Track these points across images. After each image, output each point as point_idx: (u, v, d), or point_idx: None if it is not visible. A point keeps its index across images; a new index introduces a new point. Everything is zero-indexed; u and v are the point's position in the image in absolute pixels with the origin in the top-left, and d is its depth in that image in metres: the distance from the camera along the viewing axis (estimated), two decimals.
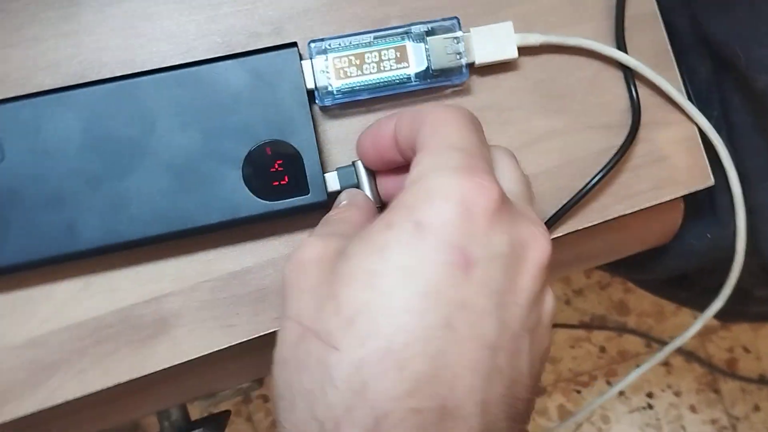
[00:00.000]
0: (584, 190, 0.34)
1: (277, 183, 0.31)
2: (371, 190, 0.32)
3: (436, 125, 0.26)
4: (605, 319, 0.88)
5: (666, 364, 0.87)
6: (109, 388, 0.32)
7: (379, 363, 0.22)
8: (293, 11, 0.34)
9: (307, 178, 0.32)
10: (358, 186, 0.32)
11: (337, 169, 0.32)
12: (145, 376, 0.32)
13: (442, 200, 0.23)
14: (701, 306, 0.41)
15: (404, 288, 0.22)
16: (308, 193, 0.32)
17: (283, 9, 0.34)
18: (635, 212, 0.35)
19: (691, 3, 0.35)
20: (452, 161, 0.25)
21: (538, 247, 0.25)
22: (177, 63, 0.32)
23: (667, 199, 0.35)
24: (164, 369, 0.32)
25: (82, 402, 0.32)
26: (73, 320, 0.32)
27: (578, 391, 0.87)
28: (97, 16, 0.33)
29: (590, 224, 0.35)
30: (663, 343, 0.86)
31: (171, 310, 0.32)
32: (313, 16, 0.34)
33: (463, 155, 0.25)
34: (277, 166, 0.32)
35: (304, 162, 0.31)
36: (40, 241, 0.31)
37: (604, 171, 0.34)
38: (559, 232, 0.34)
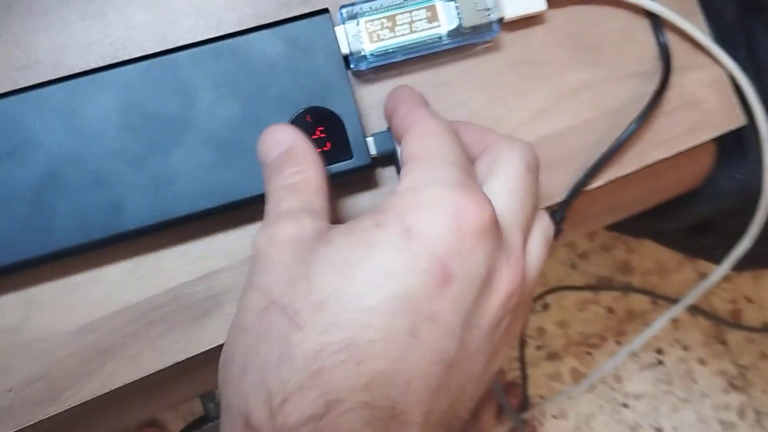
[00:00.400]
0: (621, 139, 0.34)
1: (320, 149, 0.31)
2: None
3: (424, 136, 0.27)
4: (611, 280, 0.89)
5: (673, 320, 0.89)
6: (159, 371, 0.32)
7: (340, 353, 0.22)
8: None
9: (350, 142, 0.31)
10: (393, 152, 0.32)
11: (373, 135, 0.32)
12: (195, 356, 0.32)
13: (435, 211, 0.24)
14: (719, 257, 0.41)
15: (380, 287, 0.23)
16: (352, 157, 0.31)
17: None
18: (673, 156, 0.35)
19: None
20: (448, 176, 0.25)
21: (511, 276, 0.25)
22: (209, 37, 0.32)
23: (702, 141, 0.36)
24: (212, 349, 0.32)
25: (133, 386, 0.32)
26: (125, 303, 0.32)
27: (589, 353, 0.88)
28: None
29: (630, 171, 0.35)
30: (669, 300, 0.87)
31: (222, 286, 0.32)
32: None
33: (458, 171, 0.26)
34: (318, 133, 0.31)
35: (346, 127, 0.31)
36: (87, 224, 0.31)
37: (639, 119, 0.34)
38: (600, 181, 0.35)
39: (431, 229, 0.24)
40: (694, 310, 0.86)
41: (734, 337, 0.88)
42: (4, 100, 0.30)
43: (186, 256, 0.32)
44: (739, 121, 0.36)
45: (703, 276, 0.88)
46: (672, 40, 0.35)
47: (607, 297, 0.89)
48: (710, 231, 0.47)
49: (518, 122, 0.34)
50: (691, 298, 0.46)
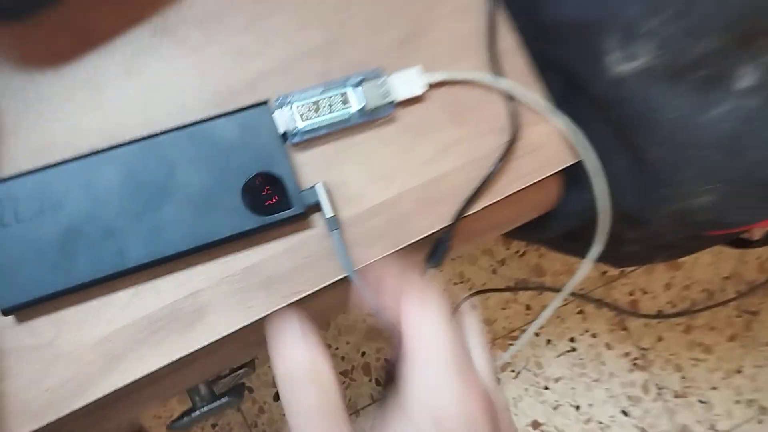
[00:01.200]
0: (486, 177, 0.47)
1: (269, 202, 0.44)
2: (328, 205, 0.44)
3: (423, 333, 0.32)
4: (527, 281, 1.03)
5: (581, 312, 1.03)
6: (161, 368, 0.44)
7: None
8: (261, 71, 0.46)
9: (290, 197, 0.44)
10: (319, 203, 0.44)
11: (304, 191, 0.45)
12: (187, 355, 0.44)
13: (458, 416, 0.30)
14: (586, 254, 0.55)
15: None
16: (292, 207, 0.44)
17: (253, 70, 0.46)
18: (526, 187, 0.49)
19: (541, 39, 0.49)
20: (454, 379, 0.31)
21: None
22: (183, 122, 0.44)
23: (547, 175, 0.49)
24: (200, 348, 0.44)
25: (142, 382, 0.44)
26: (132, 319, 0.44)
27: (512, 344, 1.02)
28: (117, 91, 0.45)
29: (497, 199, 0.48)
30: (575, 295, 1.01)
31: (204, 302, 0.44)
32: (277, 74, 0.46)
33: (461, 369, 0.31)
34: (267, 190, 0.44)
35: (286, 186, 0.44)
36: (99, 264, 0.42)
37: (497, 162, 0.48)
38: (476, 208, 0.48)
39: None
40: (599, 303, 1.01)
41: (634, 324, 1.03)
42: (36, 174, 0.42)
43: (175, 281, 0.44)
44: (570, 160, 0.49)
45: (603, 273, 1.03)
46: (520, 105, 0.49)
47: (524, 296, 1.03)
48: (576, 237, 0.60)
49: (412, 168, 0.47)
50: (571, 285, 0.59)
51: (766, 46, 0.43)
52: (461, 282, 1.02)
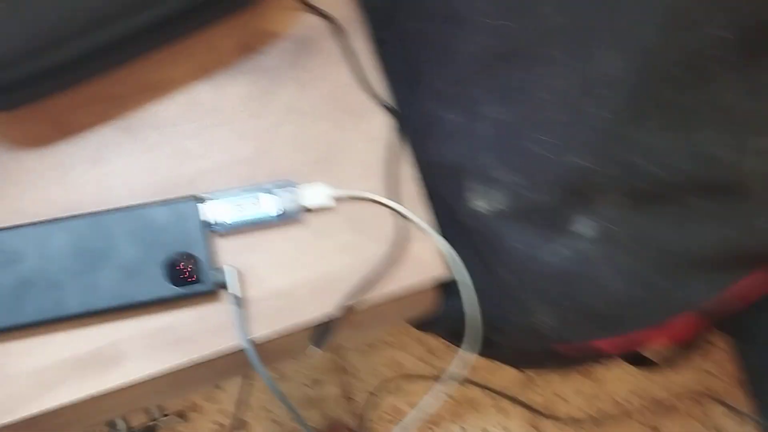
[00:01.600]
0: (371, 276, 0.58)
1: (183, 276, 0.54)
2: (235, 285, 0.55)
3: None
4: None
5: (502, 409, 1.12)
6: (81, 400, 0.53)
7: None
8: (201, 170, 0.57)
9: (202, 274, 0.54)
10: (225, 283, 0.55)
11: (214, 269, 0.55)
12: (98, 394, 0.54)
13: None
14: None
15: None
16: (204, 283, 0.54)
17: (194, 168, 0.57)
18: (404, 292, 0.59)
19: (428, 173, 0.60)
20: None
21: None
22: (128, 203, 0.55)
23: (422, 285, 0.59)
24: (115, 388, 0.54)
25: (65, 409, 0.53)
26: (64, 356, 0.53)
27: (431, 429, 1.10)
28: (82, 174, 0.56)
29: (376, 298, 0.58)
30: (494, 392, 1.10)
31: (123, 350, 0.54)
32: (213, 173, 0.58)
33: None
34: (182, 266, 0.54)
35: (200, 265, 0.54)
36: (43, 310, 0.53)
37: (382, 266, 0.58)
38: (358, 303, 0.58)
39: None
40: (516, 402, 1.10)
41: (545, 425, 1.11)
42: (4, 232, 0.53)
43: (102, 330, 0.54)
44: (444, 273, 0.59)
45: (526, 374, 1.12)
46: (408, 224, 0.59)
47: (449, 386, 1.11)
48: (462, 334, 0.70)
49: (311, 262, 0.58)
50: (447, 377, 0.69)
51: (600, 200, 0.54)
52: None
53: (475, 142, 0.53)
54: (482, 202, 0.54)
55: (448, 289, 0.62)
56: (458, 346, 0.78)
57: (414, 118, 0.59)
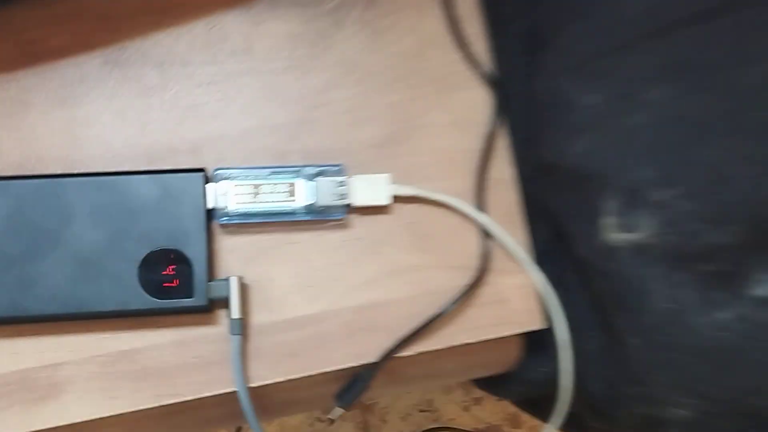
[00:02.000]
0: (434, 317, 0.40)
1: (167, 284, 0.37)
2: (238, 305, 0.38)
3: None
4: (498, 428, 0.93)
5: None
6: None
7: None
8: (211, 135, 0.41)
9: (194, 284, 0.37)
10: (227, 298, 0.38)
11: (214, 281, 0.38)
12: None
13: None
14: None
15: None
16: (192, 296, 0.37)
17: (202, 132, 0.41)
18: (478, 342, 0.41)
19: (537, 179, 0.42)
20: None
21: None
22: (102, 168, 0.39)
23: (504, 335, 0.41)
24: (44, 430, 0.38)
25: None
26: None
27: None
28: (43, 117, 0.39)
29: (438, 348, 0.41)
30: None
31: (64, 377, 0.38)
32: (228, 142, 0.41)
33: None
34: (170, 270, 0.37)
35: (194, 270, 0.37)
36: None
37: (451, 304, 0.40)
38: (410, 351, 0.40)
39: None
40: None
41: None
42: None
43: (38, 345, 0.38)
44: (538, 324, 0.42)
45: None
46: (494, 245, 0.42)
47: None
48: (537, 404, 0.52)
49: (350, 285, 0.40)
50: None
51: None
52: (428, 411, 0.93)
53: (626, 141, 0.35)
54: (624, 233, 0.36)
55: (536, 343, 0.44)
56: (533, 415, 0.59)
57: (528, 97, 0.41)
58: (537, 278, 0.41)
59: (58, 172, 0.38)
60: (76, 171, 0.38)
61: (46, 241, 0.37)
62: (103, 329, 0.38)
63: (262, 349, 0.39)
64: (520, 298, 0.42)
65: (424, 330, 0.40)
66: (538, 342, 0.44)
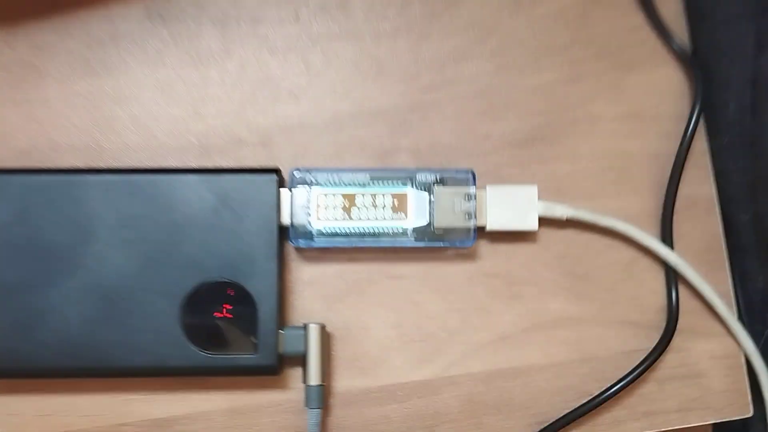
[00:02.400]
0: (599, 399, 0.28)
1: (221, 332, 0.26)
2: (318, 365, 0.27)
3: None
4: None
5: None
6: None
7: None
8: (287, 122, 0.29)
9: (258, 333, 0.26)
10: (305, 355, 0.27)
11: (286, 329, 0.27)
12: None
13: None
14: None
15: None
16: (255, 351, 0.26)
17: (276, 117, 0.29)
18: None
19: (757, 197, 0.29)
20: None
21: None
22: (138, 163, 0.28)
23: (694, 424, 0.29)
24: None
25: None
26: None
27: None
28: (60, 89, 0.29)
29: None
30: None
31: None
32: (310, 132, 0.29)
33: None
34: (225, 312, 0.26)
35: (258, 314, 0.26)
36: None
37: (625, 380, 0.28)
38: None
39: None
40: None
41: None
42: None
43: (43, 406, 0.27)
44: (745, 411, 0.29)
45: None
46: (685, 296, 0.29)
47: None
48: None
49: (475, 343, 0.29)
50: None
51: None
52: None
53: None
54: None
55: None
56: None
57: (751, 80, 0.28)
58: (746, 345, 0.29)
59: (78, 165, 0.28)
60: (101, 165, 0.28)
61: (56, 263, 0.26)
62: (131, 389, 0.28)
63: (349, 427, 0.28)
64: (721, 372, 0.29)
65: (581, 415, 0.28)
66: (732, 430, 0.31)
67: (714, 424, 0.31)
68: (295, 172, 0.27)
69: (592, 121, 0.30)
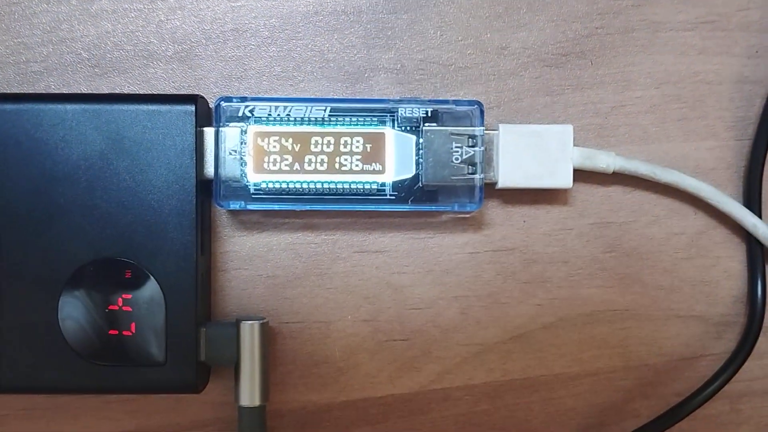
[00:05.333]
0: (650, 424, 0.23)
1: (115, 332, 0.20)
2: (258, 376, 0.21)
3: None
4: None
5: None
6: None
7: None
8: (216, 27, 0.23)
9: (167, 335, 0.20)
10: (238, 361, 0.21)
11: (208, 325, 0.21)
12: None
13: None
14: None
15: None
16: (165, 362, 0.20)
17: (200, 20, 0.23)
18: None
19: None
20: None
21: None
22: None
23: None
24: None
25: None
26: None
27: None
28: None
29: None
30: None
31: None
32: (248, 41, 0.22)
33: None
34: (121, 305, 0.20)
35: (167, 306, 0.20)
36: None
37: (690, 398, 0.23)
38: None
39: None
40: None
41: None
42: None
43: None
44: None
45: None
46: None
47: None
48: None
49: (479, 345, 0.23)
50: None
51: None
52: None
53: None
54: None
55: None
56: None
57: None
58: None
59: None
60: None
61: None
62: (5, 405, 0.22)
63: None
64: None
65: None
66: None
67: None
68: (224, 103, 0.21)
69: (653, 30, 0.24)
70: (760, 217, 0.24)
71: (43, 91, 0.23)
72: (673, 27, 0.24)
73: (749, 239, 0.24)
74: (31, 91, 0.23)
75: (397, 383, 0.23)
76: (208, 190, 0.21)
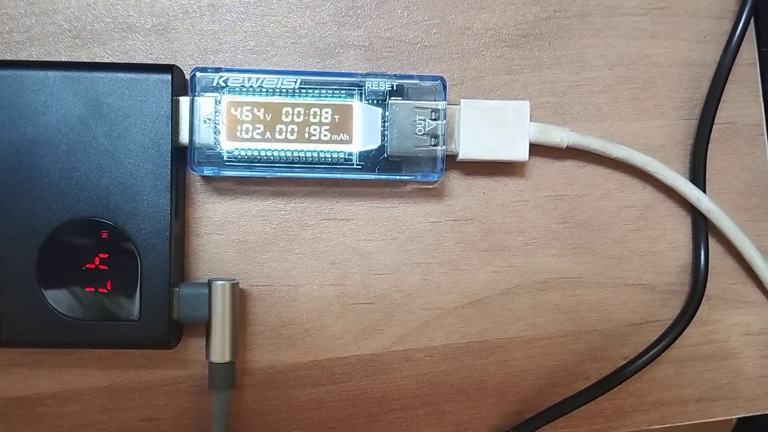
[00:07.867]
0: (598, 384, 0.24)
1: (91, 289, 0.22)
2: (228, 334, 0.23)
3: None
4: None
5: None
6: None
7: None
8: (195, 2, 0.24)
9: (142, 293, 0.22)
10: (209, 318, 0.23)
11: (183, 285, 0.23)
12: None
13: None
14: None
15: None
16: (140, 318, 0.22)
17: None
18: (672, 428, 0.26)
19: None
20: None
21: None
22: None
23: (718, 418, 0.26)
24: None
25: None
26: None
27: None
28: None
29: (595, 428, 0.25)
30: None
31: None
32: (223, 16, 0.24)
33: None
34: (98, 263, 0.22)
35: (143, 265, 0.22)
36: None
37: (635, 360, 0.24)
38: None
39: None
40: None
41: None
42: None
43: None
44: None
45: None
46: (717, 253, 0.25)
47: None
48: None
49: (439, 309, 0.25)
50: None
51: None
52: None
53: None
54: None
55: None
56: None
57: None
58: None
59: None
60: None
61: None
62: None
63: (270, 413, 0.24)
64: (757, 352, 0.27)
65: (575, 406, 0.24)
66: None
67: (739, 419, 0.28)
68: (199, 73, 0.22)
69: (607, 15, 0.26)
70: (704, 191, 0.25)
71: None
72: (627, 12, 0.26)
73: (694, 212, 0.26)
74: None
75: (361, 344, 0.25)
76: (183, 157, 0.23)
